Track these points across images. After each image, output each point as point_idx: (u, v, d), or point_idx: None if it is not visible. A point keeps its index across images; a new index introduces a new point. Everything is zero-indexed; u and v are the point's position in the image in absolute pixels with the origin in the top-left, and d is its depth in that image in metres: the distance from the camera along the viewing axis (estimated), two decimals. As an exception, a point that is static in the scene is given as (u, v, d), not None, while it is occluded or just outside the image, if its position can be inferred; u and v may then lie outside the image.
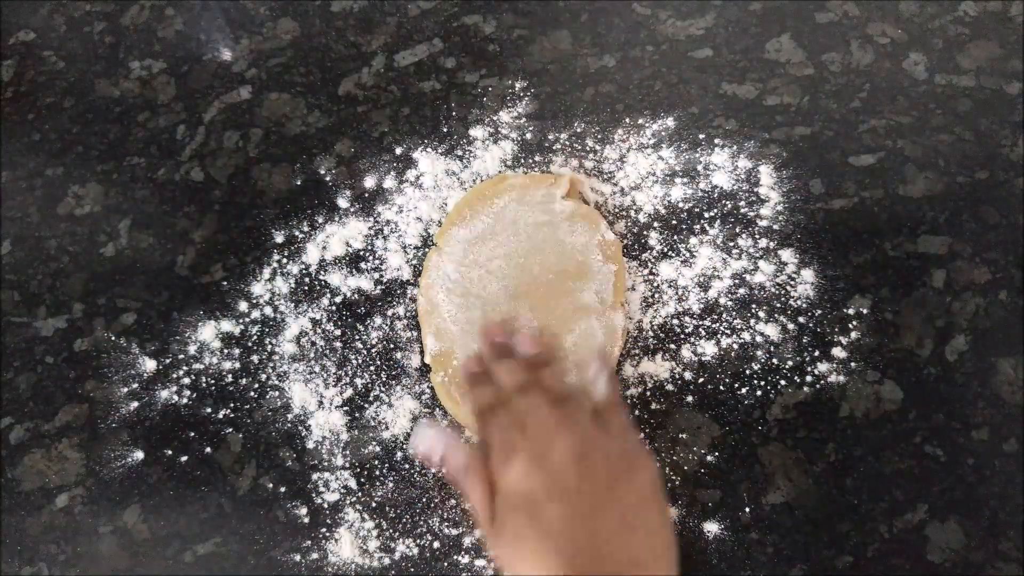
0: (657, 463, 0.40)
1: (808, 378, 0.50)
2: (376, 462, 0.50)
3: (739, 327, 0.52)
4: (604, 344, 0.51)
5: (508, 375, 0.42)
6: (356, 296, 0.56)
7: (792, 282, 0.53)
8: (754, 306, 0.53)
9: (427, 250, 0.57)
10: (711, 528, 0.46)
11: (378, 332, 0.54)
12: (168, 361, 0.55)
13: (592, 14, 0.66)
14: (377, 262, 0.57)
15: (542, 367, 0.42)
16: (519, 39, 0.65)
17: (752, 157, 0.58)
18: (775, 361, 0.51)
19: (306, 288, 0.56)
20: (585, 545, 0.36)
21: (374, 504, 0.49)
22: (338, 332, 0.54)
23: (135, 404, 0.53)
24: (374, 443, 0.51)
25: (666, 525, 0.38)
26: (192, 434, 0.52)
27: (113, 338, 0.56)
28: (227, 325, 0.55)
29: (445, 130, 0.61)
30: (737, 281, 0.54)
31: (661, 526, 0.38)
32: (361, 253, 0.57)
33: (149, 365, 0.55)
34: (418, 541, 0.48)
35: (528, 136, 0.60)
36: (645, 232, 0.56)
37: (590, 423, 0.40)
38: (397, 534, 0.48)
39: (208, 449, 0.51)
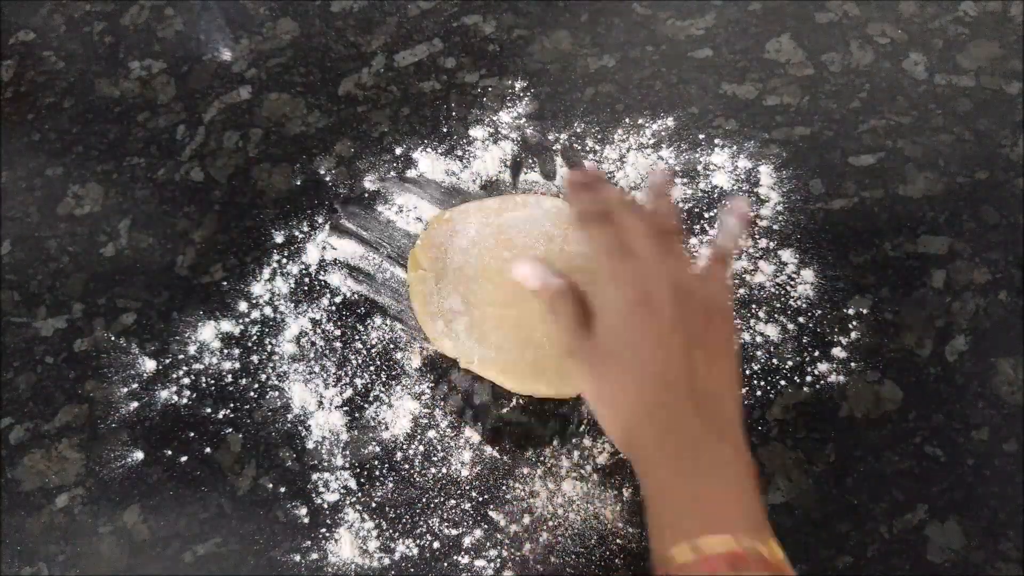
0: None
1: (808, 378, 0.50)
2: (376, 462, 0.50)
3: (739, 327, 0.52)
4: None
5: (616, 192, 0.44)
6: (356, 296, 0.56)
7: (792, 282, 0.53)
8: (754, 306, 0.53)
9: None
10: (711, 528, 0.46)
11: (378, 332, 0.54)
12: (168, 361, 0.55)
13: (592, 14, 0.66)
14: (377, 262, 0.57)
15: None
16: (519, 39, 0.65)
17: (752, 157, 0.58)
18: (775, 361, 0.51)
19: (306, 288, 0.56)
20: (676, 376, 0.39)
21: (374, 504, 0.49)
22: (338, 332, 0.54)
23: (135, 404, 0.53)
24: (374, 443, 0.51)
25: (737, 366, 0.42)
26: (192, 434, 0.52)
27: (113, 338, 0.56)
28: (227, 325, 0.55)
29: (445, 130, 0.61)
30: (737, 281, 0.54)
31: (734, 367, 0.41)
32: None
33: (149, 365, 0.55)
34: (418, 541, 0.47)
35: (528, 134, 0.60)
36: (645, 232, 0.56)
37: (688, 263, 0.42)
38: (397, 534, 0.48)
39: (208, 449, 0.51)
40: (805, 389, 0.50)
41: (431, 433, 0.51)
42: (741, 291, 0.53)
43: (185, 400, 0.53)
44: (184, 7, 0.70)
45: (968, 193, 0.55)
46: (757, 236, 0.55)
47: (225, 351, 0.54)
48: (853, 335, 0.51)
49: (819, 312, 0.52)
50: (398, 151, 0.61)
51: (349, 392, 0.52)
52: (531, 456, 0.49)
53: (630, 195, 0.46)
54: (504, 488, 0.49)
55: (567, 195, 0.48)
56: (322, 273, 0.57)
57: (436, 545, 0.47)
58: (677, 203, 0.52)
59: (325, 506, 0.49)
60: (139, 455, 0.52)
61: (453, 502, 0.48)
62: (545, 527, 0.47)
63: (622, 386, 0.40)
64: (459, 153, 0.60)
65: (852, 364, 0.50)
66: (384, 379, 0.53)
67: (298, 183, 0.61)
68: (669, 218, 0.45)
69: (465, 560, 0.47)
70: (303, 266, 0.57)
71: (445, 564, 0.47)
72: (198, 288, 0.57)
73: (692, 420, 0.38)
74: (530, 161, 0.59)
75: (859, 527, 0.46)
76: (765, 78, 0.61)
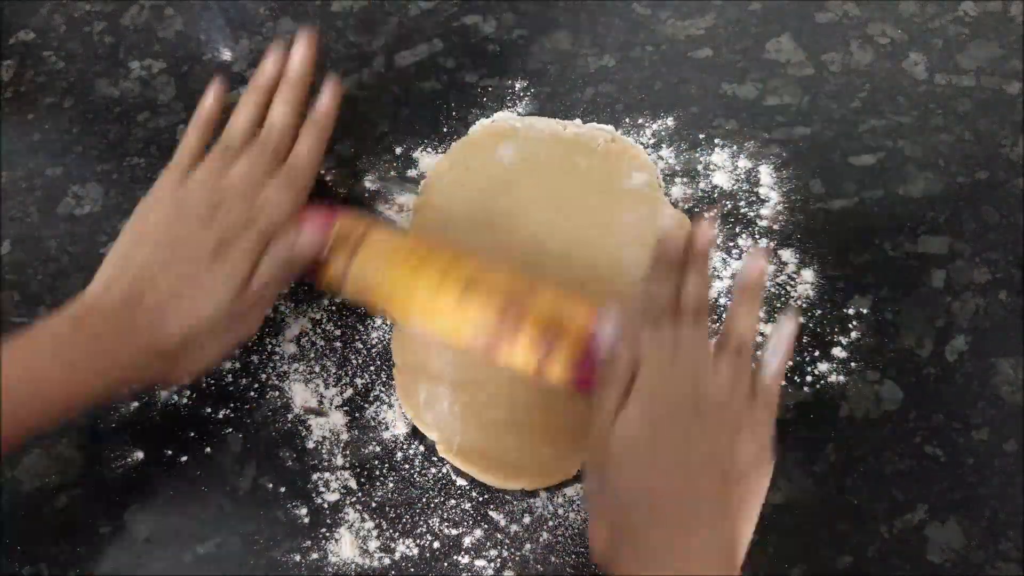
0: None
1: (808, 378, 0.50)
2: (376, 462, 0.50)
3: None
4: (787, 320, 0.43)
5: (696, 287, 0.41)
6: (356, 296, 0.55)
7: (792, 282, 0.53)
8: (754, 306, 0.53)
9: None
10: (711, 528, 0.46)
11: (378, 332, 0.54)
12: (168, 361, 0.54)
13: (592, 14, 0.66)
14: (377, 262, 0.57)
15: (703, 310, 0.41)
16: (519, 39, 0.65)
17: (752, 157, 0.58)
18: (775, 361, 0.51)
19: (306, 288, 0.56)
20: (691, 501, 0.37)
21: (374, 504, 0.49)
22: (338, 332, 0.54)
23: (135, 404, 0.53)
24: (374, 443, 0.51)
25: (747, 534, 0.39)
26: (192, 434, 0.52)
27: (113, 338, 0.56)
28: (227, 325, 0.55)
29: (445, 130, 0.61)
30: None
31: (746, 532, 0.38)
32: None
33: (149, 365, 0.55)
34: (418, 541, 0.48)
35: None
36: (645, 232, 0.56)
37: (742, 396, 0.39)
38: (397, 534, 0.48)
39: (208, 449, 0.51)
40: (805, 389, 0.50)
41: (431, 433, 0.51)
42: (741, 291, 0.53)
43: (185, 400, 0.53)
44: (184, 7, 0.70)
45: (968, 193, 0.56)
46: (757, 236, 0.55)
47: (225, 351, 0.54)
48: (853, 335, 0.51)
49: (819, 312, 0.52)
50: (398, 151, 0.61)
51: (349, 392, 0.52)
52: (531, 456, 0.49)
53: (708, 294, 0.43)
54: (504, 488, 0.49)
55: (649, 275, 0.43)
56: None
57: (436, 545, 0.47)
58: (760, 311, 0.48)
59: (325, 506, 0.49)
60: (139, 455, 0.52)
61: (453, 502, 0.48)
62: (545, 527, 0.47)
63: (620, 503, 0.38)
64: (459, 153, 0.60)
65: (852, 364, 0.50)
66: (384, 379, 0.53)
67: (298, 183, 0.61)
68: (744, 333, 0.41)
69: (465, 560, 0.47)
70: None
71: (445, 564, 0.47)
72: (198, 288, 0.57)
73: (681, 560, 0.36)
74: None
75: (859, 527, 0.46)
76: (765, 78, 0.61)
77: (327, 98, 0.51)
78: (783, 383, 0.50)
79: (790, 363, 0.50)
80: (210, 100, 0.50)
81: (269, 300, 0.46)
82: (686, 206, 0.56)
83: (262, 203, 0.46)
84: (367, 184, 0.60)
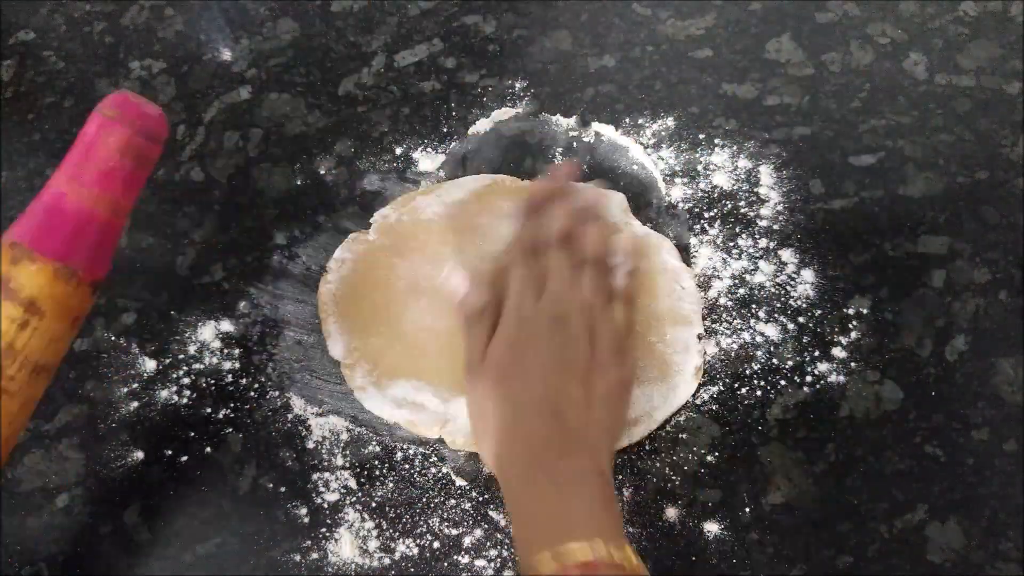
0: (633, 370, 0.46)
1: (808, 378, 0.50)
2: (376, 462, 0.50)
3: (739, 327, 0.52)
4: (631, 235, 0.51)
5: (563, 217, 0.47)
6: (356, 296, 0.55)
7: (792, 282, 0.53)
8: (754, 306, 0.53)
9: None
10: (711, 528, 0.46)
11: (378, 332, 0.54)
12: (168, 361, 0.55)
13: (592, 14, 0.66)
14: (377, 262, 0.57)
15: (588, 221, 0.47)
16: (519, 39, 0.65)
17: (752, 157, 0.58)
18: (775, 361, 0.51)
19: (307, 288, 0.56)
20: (561, 409, 0.41)
21: (374, 504, 0.49)
22: (338, 332, 0.54)
23: (135, 404, 0.53)
24: (374, 443, 0.51)
25: (624, 408, 0.45)
26: (192, 434, 0.52)
27: (113, 338, 0.56)
28: (227, 325, 0.55)
29: (445, 130, 0.61)
30: (737, 281, 0.54)
31: (622, 410, 0.45)
32: (361, 253, 0.57)
33: (149, 365, 0.55)
34: (418, 541, 0.47)
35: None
36: (645, 232, 0.56)
37: (601, 302, 0.45)
38: (397, 534, 0.48)
39: (208, 449, 0.51)
40: (805, 389, 0.50)
41: (431, 433, 0.51)
42: (741, 291, 0.53)
43: (185, 400, 0.53)
44: (184, 7, 0.70)
45: (968, 193, 0.55)
46: (757, 236, 0.55)
47: (225, 351, 0.54)
48: (853, 335, 0.51)
49: (819, 312, 0.52)
50: (398, 151, 0.61)
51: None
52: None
53: (580, 208, 0.48)
54: (504, 488, 0.49)
55: (518, 211, 0.49)
56: (323, 273, 0.57)
57: (436, 545, 0.47)
58: (611, 227, 0.52)
59: (325, 506, 0.49)
60: (139, 455, 0.52)
61: (453, 502, 0.48)
62: (545, 527, 0.47)
63: (502, 412, 0.42)
64: (459, 153, 0.60)
65: (852, 364, 0.50)
66: (384, 379, 0.53)
67: (298, 183, 0.61)
68: (597, 246, 0.46)
69: (465, 560, 0.47)
70: (304, 266, 0.57)
71: (445, 564, 0.47)
72: (198, 288, 0.57)
73: (558, 447, 0.41)
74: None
75: (859, 527, 0.46)
76: (765, 78, 0.61)
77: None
78: (783, 384, 0.50)
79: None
80: None
81: None
82: (686, 206, 0.56)
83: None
84: (367, 184, 0.60)
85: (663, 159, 0.58)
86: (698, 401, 0.50)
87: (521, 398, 0.42)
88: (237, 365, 0.54)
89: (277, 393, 0.53)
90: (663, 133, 0.59)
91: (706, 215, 0.56)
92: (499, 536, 0.47)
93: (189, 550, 0.49)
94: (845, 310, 0.52)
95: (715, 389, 0.50)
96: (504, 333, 0.44)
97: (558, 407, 0.41)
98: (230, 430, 0.52)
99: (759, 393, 0.50)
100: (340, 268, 0.55)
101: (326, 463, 0.50)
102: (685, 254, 0.54)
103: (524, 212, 0.48)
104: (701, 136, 0.59)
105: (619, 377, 0.44)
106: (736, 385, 0.50)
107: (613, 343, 0.44)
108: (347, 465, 0.50)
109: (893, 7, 0.64)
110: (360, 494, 0.49)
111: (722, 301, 0.53)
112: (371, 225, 0.57)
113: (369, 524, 0.48)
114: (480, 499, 0.48)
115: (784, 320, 0.52)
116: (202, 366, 0.54)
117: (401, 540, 0.48)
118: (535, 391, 0.42)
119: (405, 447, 0.50)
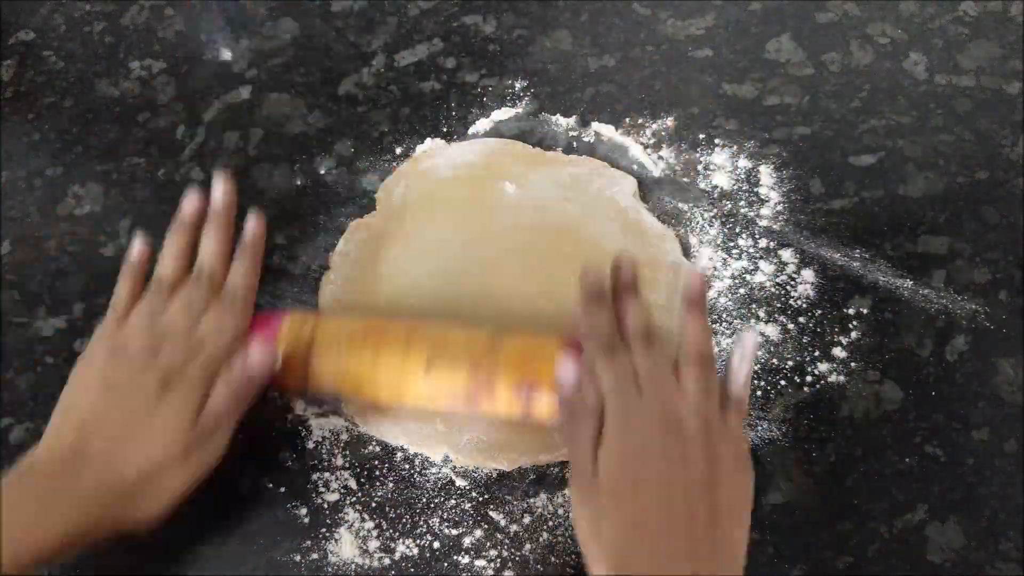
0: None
1: (808, 378, 0.50)
2: (376, 462, 0.50)
3: (739, 327, 0.52)
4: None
5: (640, 314, 0.43)
6: (356, 296, 0.55)
7: (792, 282, 0.53)
8: (754, 306, 0.53)
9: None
10: (711, 528, 0.46)
11: (378, 332, 0.54)
12: (168, 361, 0.54)
13: (592, 14, 0.66)
14: (377, 262, 0.57)
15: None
16: (519, 39, 0.65)
17: (752, 157, 0.58)
18: (775, 361, 0.51)
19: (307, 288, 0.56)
20: (684, 521, 0.37)
21: (374, 504, 0.49)
22: (338, 332, 0.54)
23: (135, 404, 0.53)
24: (374, 443, 0.51)
25: (745, 537, 0.39)
26: (192, 434, 0.52)
27: (113, 338, 0.56)
28: (227, 325, 0.55)
29: (445, 130, 0.61)
30: (737, 281, 0.54)
31: (746, 520, 0.39)
32: (361, 253, 0.57)
33: (149, 365, 0.54)
34: (418, 541, 0.48)
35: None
36: (645, 232, 0.56)
37: (714, 404, 0.40)
38: (397, 534, 0.48)
39: (208, 449, 0.51)
40: (805, 389, 0.50)
41: (431, 433, 0.51)
42: (741, 291, 0.53)
43: (185, 400, 0.53)
44: (184, 7, 0.70)
45: (968, 193, 0.56)
46: (757, 236, 0.55)
47: (225, 351, 0.54)
48: (853, 335, 0.51)
49: (819, 312, 0.52)
50: (398, 151, 0.61)
51: (349, 392, 0.52)
52: (531, 456, 0.49)
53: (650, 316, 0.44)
54: (504, 488, 0.49)
55: (580, 308, 0.44)
56: (323, 273, 0.57)
57: (436, 545, 0.47)
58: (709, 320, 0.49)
59: (325, 506, 0.49)
60: (139, 455, 0.52)
61: (453, 502, 0.48)
62: (545, 527, 0.47)
63: (622, 537, 0.38)
64: (459, 153, 0.60)
65: (852, 364, 0.50)
66: (384, 379, 0.53)
67: (298, 183, 0.61)
68: (701, 346, 0.42)
69: (465, 560, 0.47)
70: (304, 266, 0.57)
71: (445, 564, 0.47)
72: (198, 288, 0.57)
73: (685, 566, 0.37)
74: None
75: (859, 527, 0.46)
76: (765, 78, 0.61)
77: (253, 223, 0.51)
78: (783, 384, 0.50)
79: (756, 369, 0.50)
80: (138, 245, 0.50)
81: (228, 427, 0.46)
82: (686, 206, 0.56)
83: (203, 334, 0.47)
84: (367, 184, 0.60)
85: (663, 159, 0.58)
86: (698, 401, 0.50)
87: (639, 519, 0.38)
88: (237, 365, 0.54)
89: (277, 393, 0.53)
90: (663, 133, 0.59)
91: (706, 215, 0.56)
92: (499, 536, 0.47)
93: (189, 550, 0.49)
94: (845, 310, 0.52)
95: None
96: (615, 444, 0.39)
97: (680, 529, 0.37)
98: (230, 430, 0.52)
99: (759, 393, 0.50)
100: (342, 265, 0.55)
101: (326, 463, 0.50)
102: (686, 254, 0.54)
103: (586, 297, 0.44)
104: (701, 136, 0.59)
105: (745, 490, 0.40)
106: (736, 385, 0.50)
107: (732, 450, 0.40)
108: (347, 465, 0.50)
109: (893, 7, 0.64)
110: (360, 494, 0.49)
111: (722, 301, 0.53)
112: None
113: (369, 524, 0.48)
114: (480, 499, 0.48)
115: (784, 320, 0.52)
116: (202, 366, 0.54)
117: (401, 540, 0.48)
118: (655, 513, 0.38)
119: (405, 447, 0.50)
